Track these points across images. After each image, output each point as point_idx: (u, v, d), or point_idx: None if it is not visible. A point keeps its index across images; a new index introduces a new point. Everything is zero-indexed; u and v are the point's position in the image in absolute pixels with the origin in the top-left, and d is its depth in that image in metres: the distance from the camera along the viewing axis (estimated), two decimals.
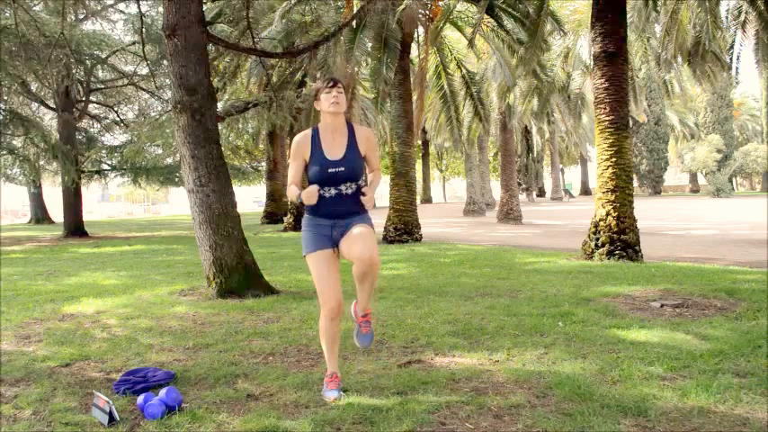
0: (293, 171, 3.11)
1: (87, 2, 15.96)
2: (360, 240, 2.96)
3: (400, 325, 4.49)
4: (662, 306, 4.93)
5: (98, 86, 18.62)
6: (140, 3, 9.71)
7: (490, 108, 19.99)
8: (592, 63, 9.26)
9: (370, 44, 12.96)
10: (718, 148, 40.68)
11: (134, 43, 17.06)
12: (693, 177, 53.63)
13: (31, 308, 5.59)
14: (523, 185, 40.86)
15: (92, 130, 20.16)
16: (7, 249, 13.08)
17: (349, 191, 3.04)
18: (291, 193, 3.03)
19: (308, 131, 3.11)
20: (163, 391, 2.90)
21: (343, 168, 3.00)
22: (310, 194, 2.94)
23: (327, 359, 3.14)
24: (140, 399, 2.90)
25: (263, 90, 15.15)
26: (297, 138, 3.11)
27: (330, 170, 3.00)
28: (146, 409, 2.81)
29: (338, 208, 3.04)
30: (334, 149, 3.04)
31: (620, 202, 8.39)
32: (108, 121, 20.09)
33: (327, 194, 3.03)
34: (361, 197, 3.05)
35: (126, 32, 18.85)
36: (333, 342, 3.09)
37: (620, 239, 8.31)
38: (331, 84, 3.03)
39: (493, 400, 2.91)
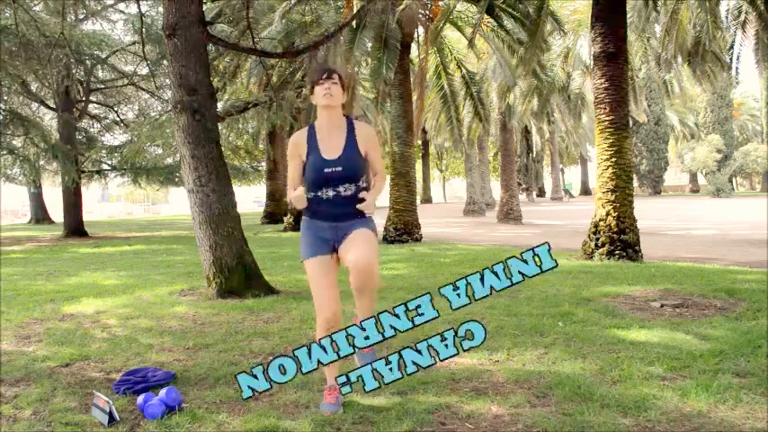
0: (291, 172, 2.92)
1: (87, 2, 15.99)
2: (356, 245, 2.75)
3: None
4: (662, 306, 4.93)
5: (98, 86, 18.63)
6: (140, 3, 9.72)
7: (490, 108, 19.99)
8: (592, 63, 9.26)
9: (370, 44, 12.95)
10: (718, 148, 40.67)
11: (134, 43, 17.06)
12: (693, 177, 53.62)
13: (31, 308, 5.59)
14: (523, 185, 40.83)
15: (92, 130, 20.16)
16: (7, 249, 13.07)
17: (348, 192, 2.81)
18: (290, 197, 2.87)
19: (304, 130, 2.91)
20: (163, 391, 2.90)
21: (340, 168, 2.78)
22: (298, 199, 2.77)
23: (326, 371, 2.88)
24: (140, 399, 2.90)
25: (263, 90, 15.14)
26: (292, 137, 2.92)
27: (326, 170, 2.78)
28: (146, 409, 2.81)
29: (337, 210, 2.82)
30: (331, 148, 2.82)
31: (620, 203, 8.39)
32: (108, 121, 20.10)
33: (324, 196, 2.82)
34: (359, 205, 2.80)
35: (126, 32, 18.87)
36: None
37: (620, 239, 8.31)
38: (325, 75, 2.80)
39: (493, 400, 2.91)
